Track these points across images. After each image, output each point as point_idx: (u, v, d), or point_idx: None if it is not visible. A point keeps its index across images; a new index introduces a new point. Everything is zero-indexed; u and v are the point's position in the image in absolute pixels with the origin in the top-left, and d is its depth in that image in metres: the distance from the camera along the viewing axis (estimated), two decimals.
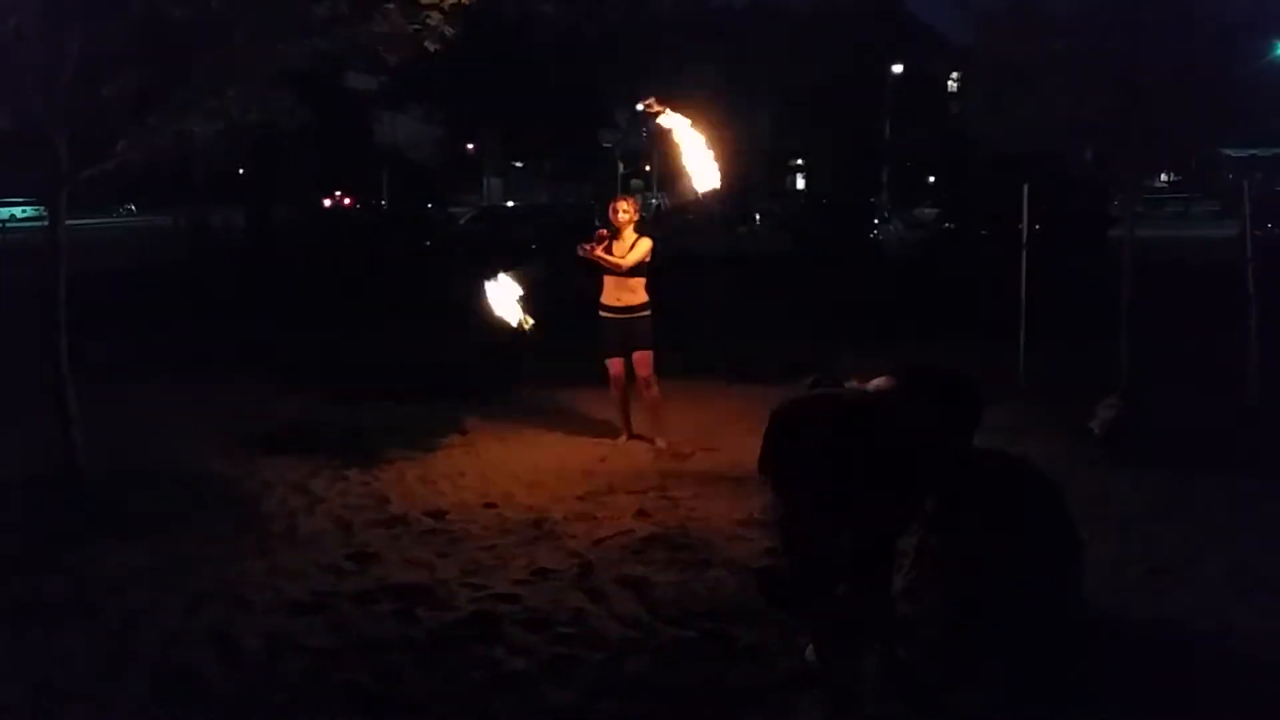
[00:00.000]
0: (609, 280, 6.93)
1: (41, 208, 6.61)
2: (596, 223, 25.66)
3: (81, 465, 5.86)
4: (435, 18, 6.26)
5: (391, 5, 6.09)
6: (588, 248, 6.90)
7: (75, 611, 4.39)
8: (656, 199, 38.97)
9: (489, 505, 5.88)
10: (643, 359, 6.95)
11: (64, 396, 5.84)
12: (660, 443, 7.02)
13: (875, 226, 27.03)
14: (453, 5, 6.30)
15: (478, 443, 7.28)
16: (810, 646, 3.82)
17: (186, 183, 29.66)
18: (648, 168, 51.02)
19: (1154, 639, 4.08)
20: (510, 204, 42.13)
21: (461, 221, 29.98)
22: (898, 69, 41.09)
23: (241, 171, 33.34)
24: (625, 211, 6.96)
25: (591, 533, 5.39)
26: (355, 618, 4.35)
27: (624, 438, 7.18)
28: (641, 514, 5.67)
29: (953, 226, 20.98)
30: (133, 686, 3.79)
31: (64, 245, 5.92)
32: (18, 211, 39.20)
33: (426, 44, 6.34)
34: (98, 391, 7.66)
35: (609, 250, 6.91)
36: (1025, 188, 9.16)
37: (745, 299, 13.36)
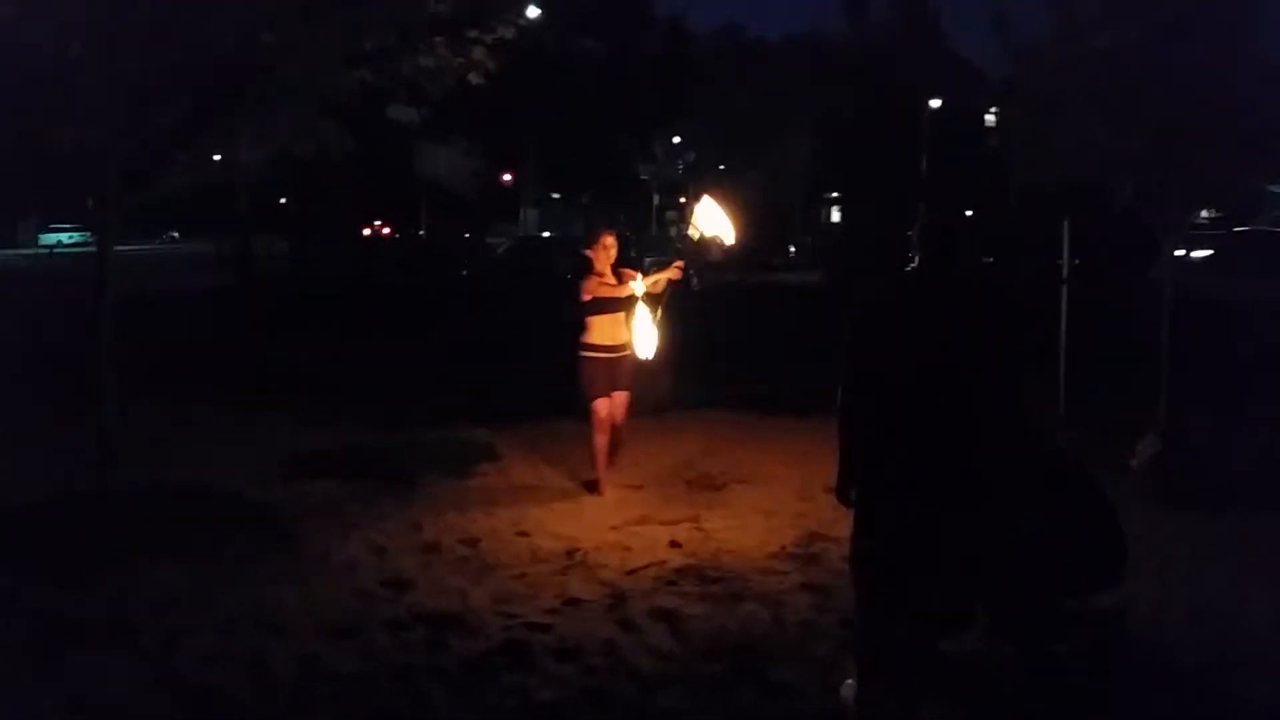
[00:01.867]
0: (605, 319, 6.55)
1: (88, 233, 6.75)
2: (636, 254, 25.64)
3: (121, 484, 5.94)
4: (479, 52, 6.37)
5: (439, 39, 6.20)
6: (597, 285, 6.53)
7: (113, 631, 4.43)
8: (691, 231, 39.06)
9: (521, 534, 5.88)
10: (626, 400, 6.71)
11: (107, 416, 5.93)
12: (605, 489, 6.67)
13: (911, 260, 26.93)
14: (496, 40, 6.40)
15: (511, 470, 7.29)
16: (850, 684, 3.72)
17: (230, 210, 30.20)
18: (683, 200, 51.28)
19: (1195, 681, 3.98)
20: (546, 234, 42.45)
21: (499, 251, 30.24)
22: (935, 103, 41.05)
23: (284, 201, 33.88)
24: (611, 248, 6.67)
25: (624, 563, 5.37)
26: (387, 645, 4.36)
27: (605, 486, 6.71)
28: (674, 545, 5.65)
29: (992, 260, 20.87)
30: (167, 707, 3.82)
31: (111, 269, 6.04)
32: (64, 238, 40.07)
33: (470, 77, 6.44)
34: (139, 412, 7.79)
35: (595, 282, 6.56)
36: (1066, 222, 9.07)
37: (776, 330, 13.33)
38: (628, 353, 6.57)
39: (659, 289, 6.57)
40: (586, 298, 6.51)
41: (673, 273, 6.62)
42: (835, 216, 50.88)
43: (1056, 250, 9.08)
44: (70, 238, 39.00)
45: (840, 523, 6.01)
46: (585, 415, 6.71)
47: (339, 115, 6.61)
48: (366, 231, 41.49)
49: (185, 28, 5.47)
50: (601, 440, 6.65)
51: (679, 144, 46.85)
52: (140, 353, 9.19)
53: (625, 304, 6.53)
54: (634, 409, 6.92)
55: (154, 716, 3.76)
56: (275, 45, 5.71)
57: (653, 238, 38.10)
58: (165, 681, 4.00)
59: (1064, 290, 8.84)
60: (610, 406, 6.61)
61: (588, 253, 6.70)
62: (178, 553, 5.35)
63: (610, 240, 6.70)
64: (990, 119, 41.83)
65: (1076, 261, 9.57)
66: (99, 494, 5.91)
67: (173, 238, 59.66)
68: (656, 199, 49.22)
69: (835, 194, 49.30)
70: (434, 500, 6.50)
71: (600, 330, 6.57)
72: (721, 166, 47.52)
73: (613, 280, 6.55)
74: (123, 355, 6.09)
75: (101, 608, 4.67)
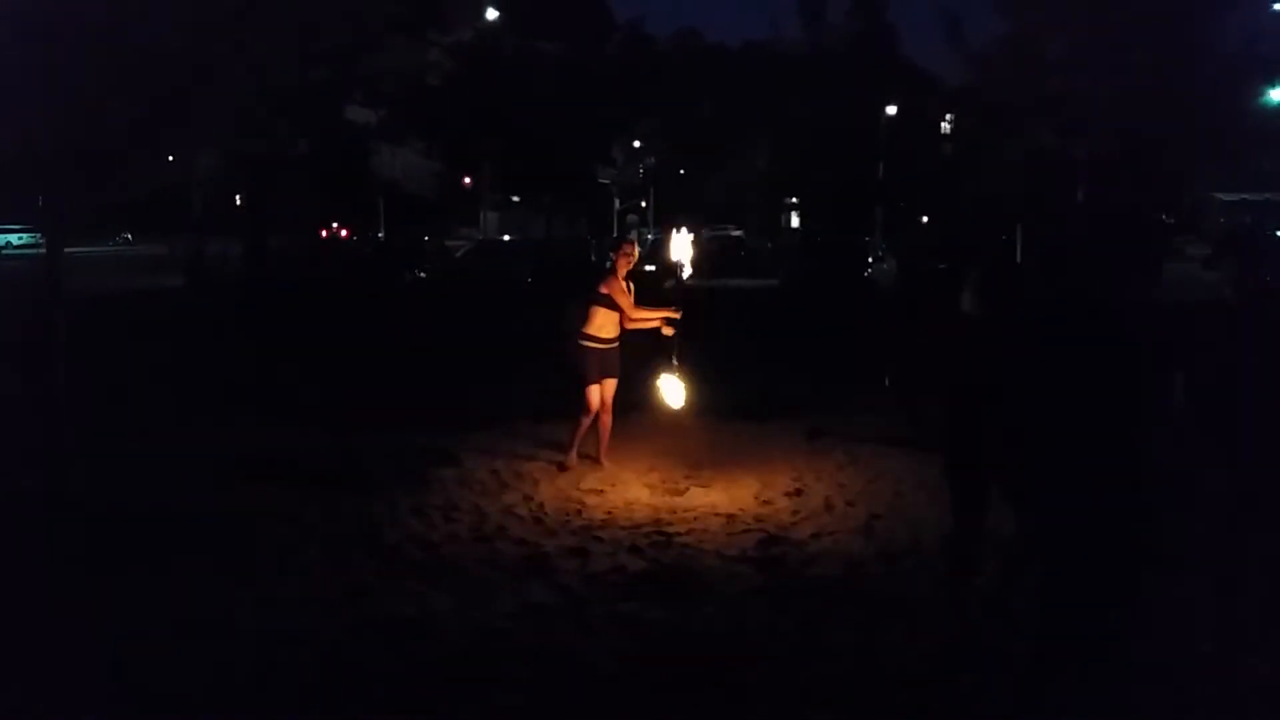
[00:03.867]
0: (608, 315, 7.23)
1: (38, 235, 6.63)
2: (596, 258, 25.66)
3: (72, 494, 5.84)
4: (436, 53, 6.34)
5: (395, 40, 6.17)
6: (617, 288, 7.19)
7: (62, 644, 4.35)
8: (651, 234, 39.16)
9: (481, 539, 5.85)
10: (614, 385, 7.37)
11: (57, 424, 5.82)
12: (606, 463, 7.36)
13: (869, 265, 27.18)
14: (453, 41, 6.38)
15: (471, 475, 7.25)
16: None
17: (184, 212, 29.77)
18: (644, 204, 51.37)
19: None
20: (506, 238, 42.30)
21: (458, 254, 30.04)
22: (892, 110, 41.49)
23: (239, 201, 33.47)
24: (632, 255, 7.40)
25: (585, 567, 5.37)
26: (346, 651, 4.32)
27: (573, 458, 7.39)
28: (635, 549, 5.65)
29: (946, 266, 21.11)
30: (123, 714, 3.75)
31: (62, 273, 5.94)
32: (14, 239, 39.25)
33: (427, 78, 6.41)
34: (89, 418, 7.65)
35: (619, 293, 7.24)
36: (1018, 227, 9.23)
37: (735, 335, 13.39)
38: (617, 346, 7.29)
39: (657, 324, 7.29)
40: (633, 315, 7.23)
41: (667, 328, 7.27)
42: (794, 222, 51.22)
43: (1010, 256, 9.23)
44: (20, 239, 38.21)
45: (798, 526, 6.08)
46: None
47: (293, 115, 6.55)
48: (323, 233, 41.08)
49: (134, 28, 5.40)
50: (585, 423, 7.30)
51: (639, 148, 46.97)
52: (91, 358, 9.05)
53: (623, 305, 7.20)
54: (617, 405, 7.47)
55: None
56: (226, 44, 5.65)
57: (614, 241, 38.04)
58: (119, 691, 3.93)
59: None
60: (601, 392, 7.26)
61: (615, 258, 7.35)
62: (130, 562, 5.27)
63: (631, 248, 7.44)
64: (946, 126, 42.45)
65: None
66: (47, 505, 5.80)
67: (126, 239, 58.74)
68: (617, 203, 49.28)
69: (794, 200, 49.63)
70: (393, 506, 6.44)
71: (602, 324, 7.23)
72: (682, 171, 47.70)
73: (627, 287, 7.23)
74: (73, 360, 5.99)
75: (48, 620, 4.58)
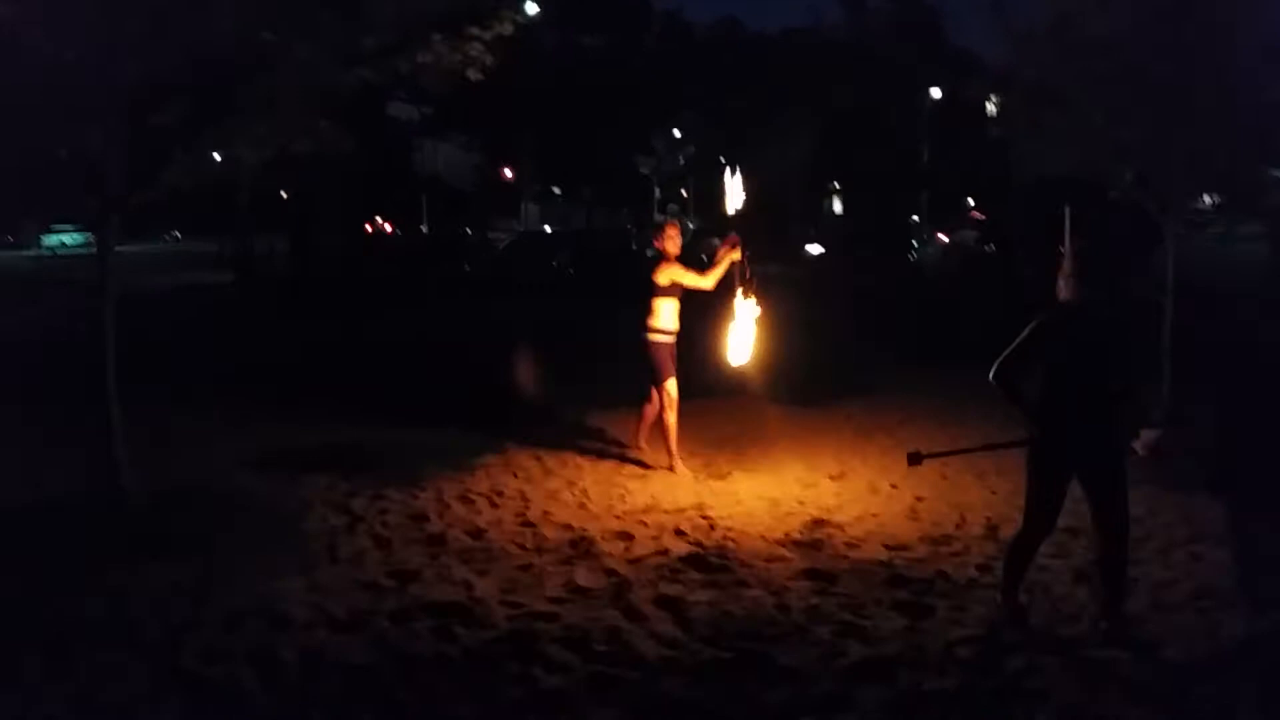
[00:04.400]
0: (672, 304, 6.93)
1: (89, 234, 6.76)
2: (638, 248, 25.65)
3: (125, 484, 5.97)
4: (477, 48, 6.37)
5: (437, 36, 6.21)
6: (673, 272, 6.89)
7: (117, 629, 4.45)
8: (694, 224, 39.06)
9: (526, 524, 5.90)
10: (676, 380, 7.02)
11: (110, 417, 5.95)
12: (645, 446, 7.25)
13: (914, 248, 26.93)
14: (494, 36, 6.41)
15: (515, 462, 7.31)
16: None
17: (231, 209, 30.21)
18: (684, 193, 51.24)
19: (1198, 657, 4.01)
20: (547, 229, 42.43)
21: (499, 247, 30.21)
22: (936, 93, 40.98)
23: (285, 197, 33.89)
24: (675, 236, 7.05)
25: (629, 551, 5.39)
26: (394, 635, 4.38)
27: (676, 461, 7.00)
28: (679, 533, 5.67)
29: (993, 249, 20.86)
30: (173, 703, 3.84)
31: (113, 270, 6.06)
32: (67, 239, 40.09)
33: (469, 74, 6.45)
34: (142, 411, 7.82)
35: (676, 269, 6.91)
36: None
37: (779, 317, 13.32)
38: (678, 338, 7.00)
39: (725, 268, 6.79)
40: (705, 279, 6.80)
41: (732, 253, 6.76)
42: (838, 208, 50.83)
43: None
44: (73, 239, 38.99)
45: (841, 509, 6.06)
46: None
47: (338, 114, 6.62)
48: (368, 228, 41.52)
49: (182, 28, 5.48)
50: (671, 420, 6.95)
51: (679, 138, 46.84)
52: (139, 350, 9.22)
53: (686, 292, 6.91)
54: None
55: (162, 712, 3.78)
56: (273, 45, 5.72)
57: (654, 227, 38.02)
58: (172, 676, 4.01)
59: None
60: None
61: (658, 245, 7.06)
62: (182, 549, 5.37)
63: (673, 230, 7.08)
64: (991, 109, 41.80)
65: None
66: (102, 495, 5.93)
67: (175, 237, 59.71)
68: (658, 192, 49.21)
69: (837, 185, 49.25)
70: (438, 493, 6.52)
71: (669, 315, 6.94)
72: (722, 159, 47.47)
73: (679, 268, 6.88)
74: (122, 352, 6.11)
75: (103, 606, 4.67)
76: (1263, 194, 9.97)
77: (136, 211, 6.25)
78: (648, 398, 7.11)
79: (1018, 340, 4.15)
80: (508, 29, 6.54)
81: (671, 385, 6.92)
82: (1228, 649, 4.12)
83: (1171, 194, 8.04)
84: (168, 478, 6.54)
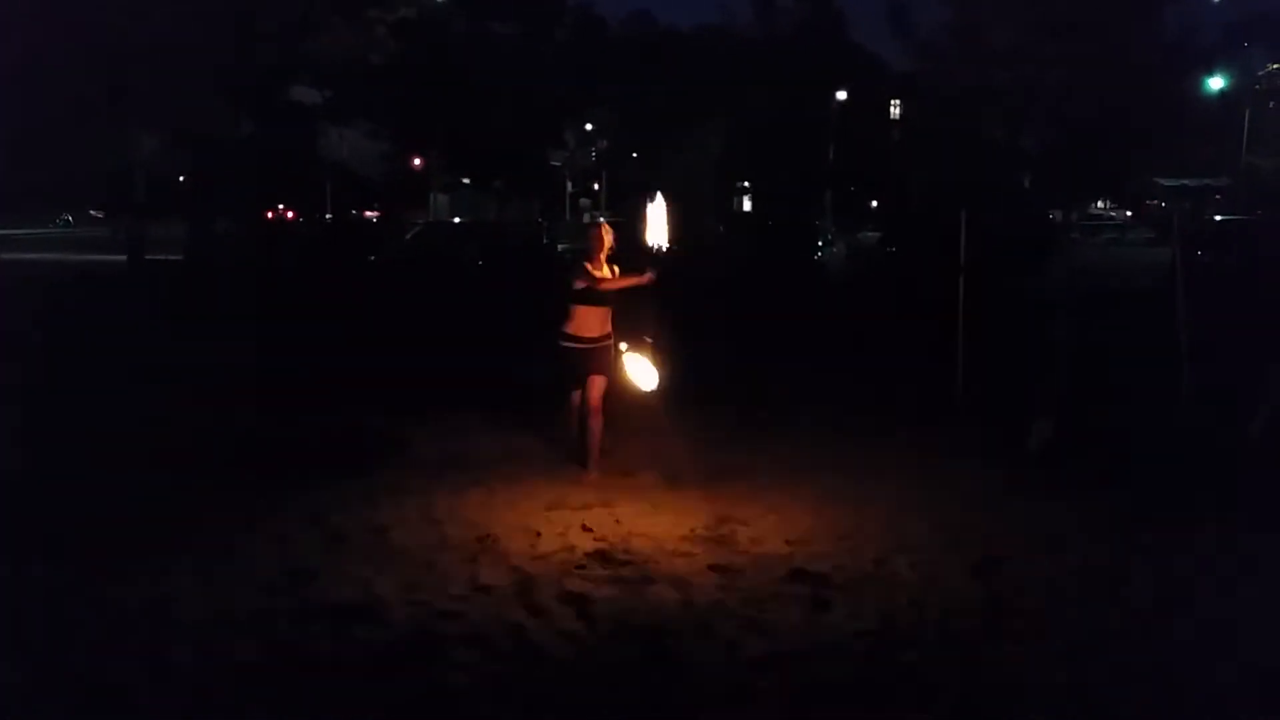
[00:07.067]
0: (588, 311, 6.67)
1: None
2: (548, 241, 25.46)
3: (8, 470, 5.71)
4: (380, 31, 6.25)
5: (337, 19, 6.07)
6: (598, 277, 6.62)
7: (2, 630, 4.26)
8: (603, 218, 39.04)
9: (430, 521, 5.82)
10: (601, 385, 6.75)
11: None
12: (592, 473, 6.77)
13: (819, 249, 27.36)
14: (398, 20, 6.29)
15: (420, 458, 7.21)
16: None
17: (126, 194, 29.10)
18: (596, 186, 51.20)
19: (1083, 652, 4.17)
20: (456, 220, 41.89)
21: (406, 236, 29.70)
22: (841, 95, 41.73)
23: (182, 181, 32.78)
24: (605, 239, 6.75)
25: (534, 548, 5.36)
26: (290, 636, 4.28)
27: (594, 467, 6.81)
28: (584, 529, 5.67)
29: (894, 250, 21.35)
30: (61, 705, 3.69)
31: None
32: None
33: (371, 57, 6.32)
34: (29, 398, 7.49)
35: (593, 274, 6.67)
36: (963, 213, 9.33)
37: (681, 317, 13.41)
38: (607, 344, 6.74)
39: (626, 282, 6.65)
40: (605, 288, 6.60)
41: (645, 279, 6.57)
42: (747, 206, 51.35)
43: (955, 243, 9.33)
44: None
45: (746, 505, 6.13)
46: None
47: (238, 96, 6.43)
48: (269, 215, 40.41)
49: (72, 8, 5.26)
50: (574, 424, 6.84)
51: (591, 131, 46.74)
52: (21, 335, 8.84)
53: (611, 299, 6.70)
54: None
55: (50, 714, 3.63)
56: (165, 23, 5.53)
57: (567, 225, 37.92)
58: (60, 678, 3.86)
59: (961, 281, 9.09)
60: (587, 394, 6.72)
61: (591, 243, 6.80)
62: (70, 549, 5.18)
63: (601, 232, 6.79)
64: (894, 112, 42.84)
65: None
66: None
67: (67, 221, 57.44)
68: (570, 186, 49.06)
69: (746, 184, 49.74)
70: (339, 490, 6.38)
71: (583, 322, 6.68)
72: (635, 154, 47.56)
73: (607, 273, 6.68)
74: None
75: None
76: (1150, 201, 10.42)
77: (25, 194, 5.98)
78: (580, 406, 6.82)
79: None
80: (412, 13, 6.41)
81: (574, 397, 6.77)
82: (1113, 644, 4.29)
83: (1067, 200, 8.34)
84: (55, 467, 6.27)
